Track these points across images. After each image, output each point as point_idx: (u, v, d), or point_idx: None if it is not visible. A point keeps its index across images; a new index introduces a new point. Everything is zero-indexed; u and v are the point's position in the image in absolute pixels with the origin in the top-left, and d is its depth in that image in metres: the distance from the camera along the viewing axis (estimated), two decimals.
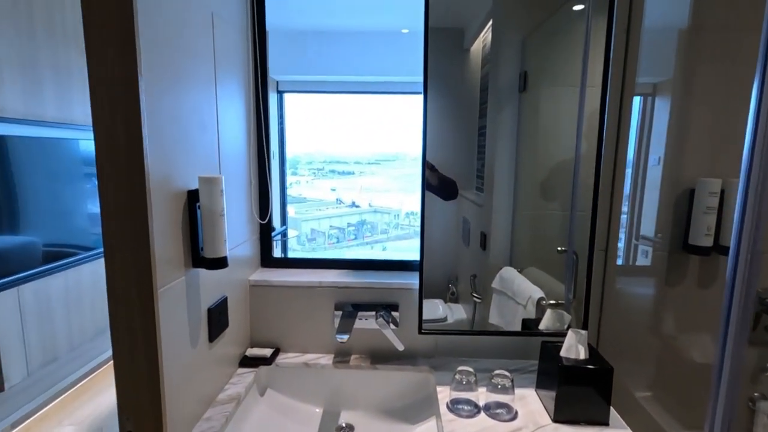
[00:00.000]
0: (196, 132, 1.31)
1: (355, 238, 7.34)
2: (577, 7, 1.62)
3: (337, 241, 7.27)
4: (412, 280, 2.01)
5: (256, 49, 1.87)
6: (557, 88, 1.70)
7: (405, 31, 3.38)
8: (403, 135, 7.46)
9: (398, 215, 7.44)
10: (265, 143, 1.92)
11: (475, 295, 1.80)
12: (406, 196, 7.59)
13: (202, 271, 1.40)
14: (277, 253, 3.93)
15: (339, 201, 7.45)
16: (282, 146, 4.08)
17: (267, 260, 2.16)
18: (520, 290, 1.67)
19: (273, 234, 3.53)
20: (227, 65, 1.50)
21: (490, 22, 1.66)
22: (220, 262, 1.31)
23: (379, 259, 2.19)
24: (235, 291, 1.76)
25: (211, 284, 1.48)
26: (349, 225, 7.43)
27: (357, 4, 3.00)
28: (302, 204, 7.21)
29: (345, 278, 1.98)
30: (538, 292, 1.65)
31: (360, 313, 1.91)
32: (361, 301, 1.95)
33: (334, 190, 7.35)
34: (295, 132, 4.95)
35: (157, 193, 1.10)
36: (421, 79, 3.70)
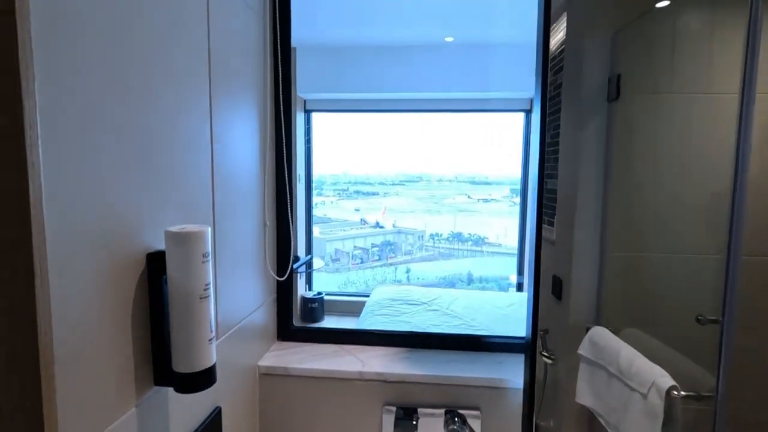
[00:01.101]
0: (168, 153, 0.83)
1: (379, 259, 7.12)
2: None
3: (361, 262, 7.07)
4: (499, 371, 1.38)
5: (277, 55, 1.38)
6: (668, 95, 1.31)
7: (449, 39, 3.19)
8: (428, 155, 7.26)
9: (422, 236, 7.18)
10: (287, 171, 1.40)
11: (545, 354, 1.37)
12: (431, 217, 7.34)
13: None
14: (300, 285, 3.68)
15: (363, 221, 7.28)
16: (309, 168, 3.91)
17: (285, 331, 1.54)
18: (631, 368, 1.13)
19: (296, 265, 3.30)
20: (233, 69, 1.11)
21: (564, 18, 1.39)
22: (201, 380, 0.75)
23: (444, 334, 1.65)
24: (237, 391, 1.19)
25: (191, 400, 0.94)
26: (373, 246, 7.21)
27: (396, 13, 2.82)
28: (327, 224, 7.05)
29: (397, 365, 1.36)
30: (665, 378, 1.07)
31: (421, 416, 1.32)
32: (423, 401, 1.34)
33: (358, 210, 7.18)
34: (322, 152, 4.80)
35: (73, 262, 0.60)
36: (456, 95, 3.47)
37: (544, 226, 1.42)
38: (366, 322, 2.45)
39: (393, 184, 7.58)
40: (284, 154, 1.39)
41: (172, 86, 0.84)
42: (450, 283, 6.78)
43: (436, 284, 6.80)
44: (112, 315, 0.68)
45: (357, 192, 7.54)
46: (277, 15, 1.36)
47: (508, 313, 2.63)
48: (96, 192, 0.63)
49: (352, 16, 2.87)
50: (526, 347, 1.34)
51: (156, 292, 0.73)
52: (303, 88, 3.51)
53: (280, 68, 1.36)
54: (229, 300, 1.08)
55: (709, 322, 1.17)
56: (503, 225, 7.16)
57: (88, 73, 0.63)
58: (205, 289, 0.71)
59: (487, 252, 7.00)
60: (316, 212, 6.97)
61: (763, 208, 1.24)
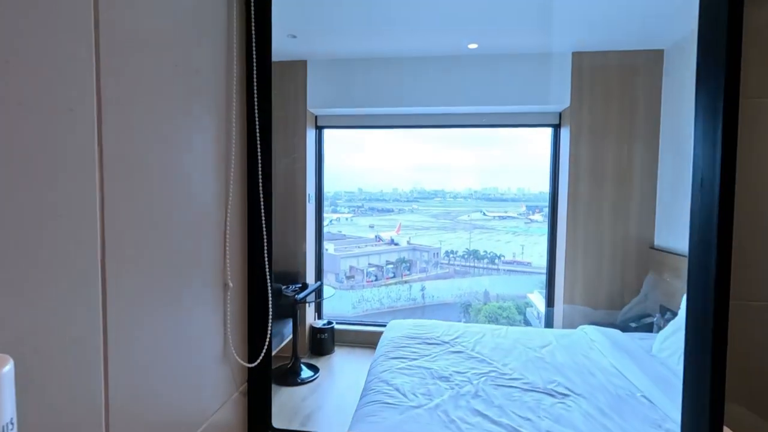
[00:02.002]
0: None
1: (393, 276, 6.86)
2: None
3: (375, 279, 6.82)
4: None
5: (251, 47, 0.94)
6: None
7: (473, 46, 2.86)
8: (444, 170, 6.98)
9: (437, 254, 6.88)
10: (263, 205, 0.95)
11: None
12: (446, 234, 7.05)
13: None
14: (309, 314, 3.24)
15: (378, 238, 7.03)
16: (320, 186, 3.58)
17: None
18: None
19: (301, 295, 2.94)
20: (156, 41, 0.66)
21: None
22: None
23: None
24: None
25: None
26: (387, 263, 6.95)
27: (414, 24, 2.50)
28: (341, 241, 6.81)
29: None
30: None
31: None
32: None
33: (372, 227, 6.93)
34: (337, 169, 4.51)
35: None
36: (476, 109, 3.10)
37: None
38: (379, 367, 2.08)
39: (408, 201, 7.36)
40: (260, 181, 0.94)
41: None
42: (466, 302, 6.46)
43: (451, 302, 6.45)
44: None
45: (372, 209, 7.34)
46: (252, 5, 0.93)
47: (543, 356, 2.23)
48: None
49: (367, 28, 2.56)
50: None
51: None
52: (314, 103, 3.20)
53: (254, 58, 0.92)
54: (161, 412, 0.68)
55: None
56: (519, 242, 6.82)
57: None
58: None
59: (504, 270, 6.69)
60: (331, 229, 6.75)
61: None
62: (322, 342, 3.21)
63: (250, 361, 0.96)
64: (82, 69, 0.53)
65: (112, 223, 0.58)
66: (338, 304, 6.12)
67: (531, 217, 6.74)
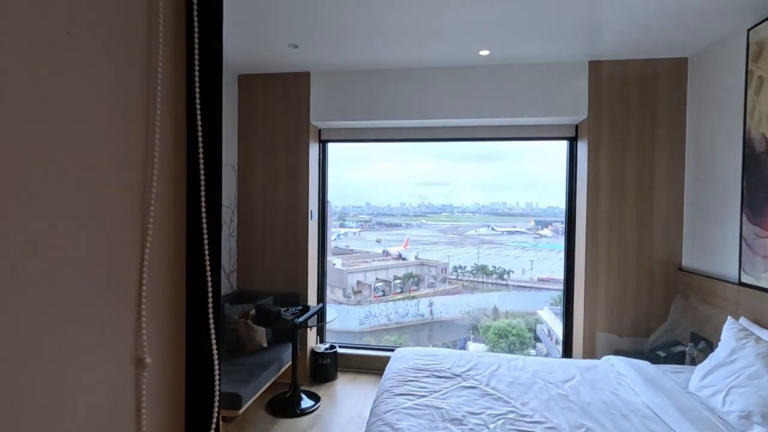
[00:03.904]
0: None
1: (401, 291, 6.69)
2: None
3: (383, 294, 6.63)
4: None
5: None
6: None
7: (484, 53, 2.59)
8: (452, 185, 6.79)
9: (445, 269, 6.65)
10: (206, 217, 0.56)
11: None
12: (454, 249, 6.82)
13: None
14: (310, 337, 2.84)
15: (385, 253, 6.85)
16: (323, 201, 3.33)
17: None
18: None
19: (300, 319, 2.48)
20: None
21: None
22: None
23: None
24: None
25: None
26: (395, 278, 6.77)
27: (424, 29, 2.26)
28: (349, 255, 6.62)
29: None
30: None
31: None
32: None
33: (379, 241, 6.73)
34: (345, 183, 4.29)
35: None
36: (488, 122, 2.84)
37: None
38: (383, 405, 1.78)
39: (416, 215, 7.18)
40: (202, 180, 0.56)
41: None
42: (475, 319, 6.24)
43: (460, 319, 6.19)
44: None
45: (379, 223, 7.18)
46: None
47: (567, 393, 1.91)
48: None
49: (372, 36, 2.34)
50: None
51: None
52: (317, 116, 2.98)
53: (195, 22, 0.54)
54: None
55: None
56: (528, 257, 6.57)
57: None
58: None
59: (513, 286, 6.44)
60: (339, 243, 6.56)
61: None
62: (325, 368, 2.92)
63: None
64: None
65: None
66: (345, 320, 5.86)
67: (540, 232, 6.47)
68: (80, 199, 0.45)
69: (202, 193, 0.57)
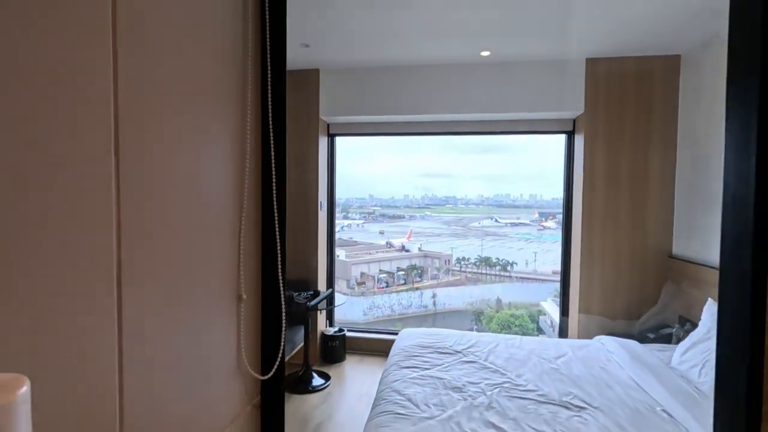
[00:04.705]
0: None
1: (404, 283, 6.84)
2: None
3: (387, 286, 6.81)
4: None
5: (266, 59, 0.90)
6: None
7: (485, 53, 2.83)
8: (455, 177, 6.96)
9: (449, 260, 6.83)
10: (278, 214, 0.93)
11: None
12: (458, 240, 7.00)
13: None
14: (320, 321, 3.21)
15: (389, 244, 7.02)
16: (332, 193, 3.58)
17: None
18: None
19: (312, 303, 2.94)
20: (174, 55, 0.66)
21: None
22: None
23: None
24: None
25: None
26: (398, 269, 6.93)
27: (426, 31, 2.49)
28: (353, 247, 6.81)
29: None
30: None
31: None
32: None
33: (382, 233, 6.92)
34: (348, 175, 4.51)
35: None
36: (489, 116, 3.07)
37: None
38: (391, 376, 2.04)
39: (419, 207, 7.34)
40: (274, 192, 0.92)
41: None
42: (478, 310, 6.41)
43: (463, 310, 6.39)
44: None
45: (383, 215, 7.34)
46: (267, 15, 0.90)
47: (558, 367, 2.17)
48: None
49: (379, 36, 2.56)
50: None
51: None
52: (326, 111, 3.21)
53: (269, 71, 0.89)
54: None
55: None
56: (532, 249, 6.73)
57: None
58: None
59: (516, 277, 6.61)
60: (342, 235, 6.76)
61: None
62: (334, 350, 3.19)
63: (263, 374, 0.94)
64: (100, 80, 0.52)
65: (128, 237, 0.57)
66: (349, 311, 6.10)
67: (543, 223, 6.65)
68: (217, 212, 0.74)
69: (275, 210, 0.87)
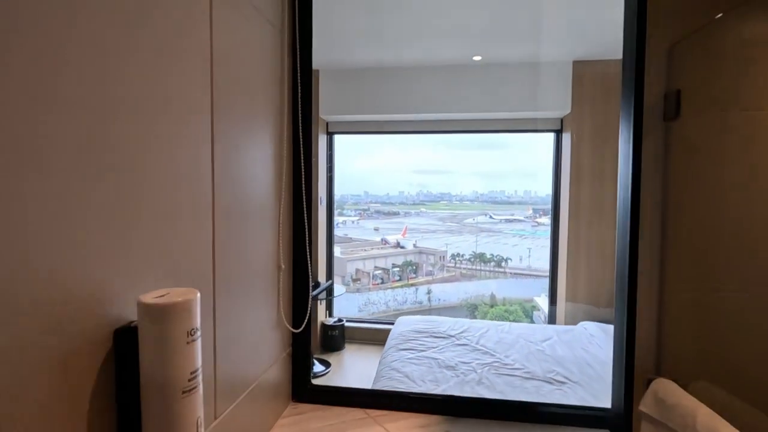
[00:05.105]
0: (157, 193, 0.63)
1: (399, 279, 6.96)
2: None
3: (382, 282, 6.92)
4: None
5: (296, 73, 1.14)
6: (736, 113, 1.11)
7: (477, 58, 3.03)
8: (450, 174, 7.13)
9: (444, 257, 6.99)
10: (305, 204, 1.17)
11: None
12: (453, 237, 7.15)
13: None
14: (320, 312, 3.46)
15: (384, 241, 7.15)
16: (330, 190, 3.77)
17: (302, 391, 1.24)
18: None
19: (315, 292, 3.14)
20: (244, 79, 0.90)
21: None
22: None
23: (492, 400, 1.36)
24: None
25: None
26: (393, 266, 7.06)
27: (418, 34, 2.68)
28: (348, 244, 6.94)
29: None
30: None
31: None
32: None
33: (377, 229, 7.06)
34: (343, 172, 4.69)
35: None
36: (482, 115, 3.28)
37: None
38: (389, 357, 2.24)
39: (414, 203, 7.47)
40: (303, 185, 1.17)
41: (169, 112, 0.65)
42: (472, 306, 6.54)
43: (458, 306, 6.55)
44: (60, 411, 0.47)
45: (378, 212, 7.45)
46: (297, 31, 1.17)
47: (544, 349, 2.38)
48: (41, 253, 0.44)
49: (377, 39, 2.75)
50: (611, 424, 1.12)
51: (126, 380, 0.52)
52: (325, 110, 3.40)
53: (299, 87, 1.15)
54: (234, 364, 0.88)
55: None
56: (527, 245, 6.90)
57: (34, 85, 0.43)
58: (191, 380, 0.51)
59: (511, 273, 6.76)
60: (338, 232, 6.88)
61: None
62: (333, 338, 3.38)
63: (295, 328, 1.20)
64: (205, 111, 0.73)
65: (219, 222, 0.81)
66: (345, 307, 6.25)
67: (538, 220, 6.83)
68: (262, 206, 0.96)
69: (303, 200, 1.11)
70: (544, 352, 2.36)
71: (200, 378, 0.54)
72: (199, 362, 0.54)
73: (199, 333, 0.54)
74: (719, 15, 1.16)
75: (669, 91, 1.15)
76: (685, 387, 1.09)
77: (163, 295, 0.51)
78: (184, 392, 0.51)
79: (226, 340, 0.84)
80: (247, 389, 0.95)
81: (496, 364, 2.19)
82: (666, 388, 1.09)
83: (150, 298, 0.50)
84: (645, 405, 1.10)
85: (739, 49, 1.17)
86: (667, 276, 1.13)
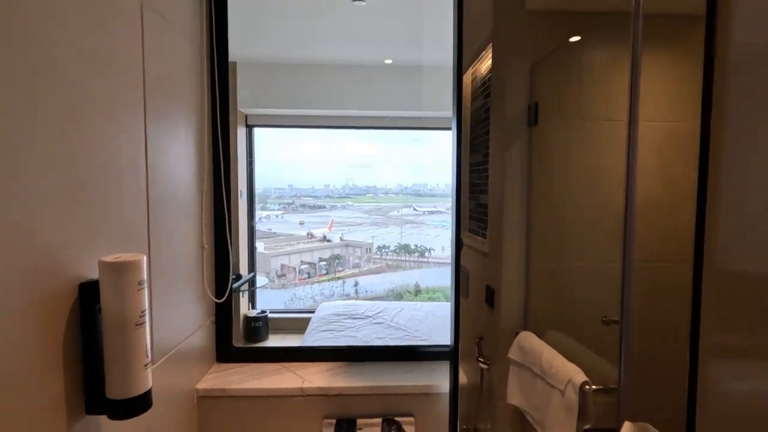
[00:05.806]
0: (101, 180, 0.80)
1: (327, 273, 7.07)
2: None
3: (308, 277, 6.97)
4: (431, 378, 1.47)
5: (214, 75, 1.36)
6: (577, 121, 1.44)
7: (388, 61, 3.34)
8: (374, 168, 7.41)
9: (370, 249, 7.25)
10: (225, 191, 1.38)
11: (481, 360, 1.49)
12: (379, 229, 7.44)
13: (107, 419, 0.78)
14: (243, 304, 3.60)
15: (310, 235, 7.21)
16: (251, 183, 3.88)
17: (225, 353, 1.50)
18: (552, 368, 1.25)
19: (237, 284, 3.29)
20: (170, 91, 1.09)
21: (490, 48, 1.55)
22: (135, 405, 0.75)
23: (381, 346, 1.63)
24: (173, 415, 1.18)
25: (124, 428, 0.88)
26: (320, 260, 7.14)
27: (336, 36, 2.92)
28: (272, 239, 6.92)
29: (336, 379, 1.40)
30: (579, 375, 1.20)
31: (361, 426, 1.38)
32: (362, 412, 1.39)
33: (302, 224, 7.12)
34: (265, 165, 4.77)
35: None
36: (391, 113, 3.62)
37: (479, 238, 1.56)
38: (310, 338, 2.47)
39: (340, 197, 7.60)
40: (222, 174, 1.39)
41: (104, 109, 0.83)
42: (398, 295, 6.88)
43: (384, 297, 6.88)
44: (39, 348, 0.66)
45: (303, 206, 7.47)
46: (214, 38, 1.37)
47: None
48: (19, 225, 0.61)
49: (293, 37, 2.94)
50: (451, 355, 1.45)
51: (89, 321, 0.73)
52: (245, 103, 3.50)
53: (217, 87, 1.37)
54: (165, 324, 1.08)
55: (612, 323, 1.34)
56: (448, 236, 7.41)
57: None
58: (140, 316, 0.72)
59: (434, 263, 7.17)
60: (261, 227, 6.82)
61: (659, 222, 1.46)
62: (257, 330, 3.52)
63: (218, 298, 1.42)
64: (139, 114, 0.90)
65: (152, 207, 1.00)
66: (269, 304, 6.27)
67: None
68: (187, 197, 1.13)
69: (223, 188, 1.33)
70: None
71: (147, 317, 0.74)
72: (146, 305, 0.75)
73: (145, 284, 0.74)
74: (574, 38, 1.52)
75: (531, 103, 1.45)
76: (541, 336, 1.45)
77: (117, 258, 0.71)
78: (136, 325, 0.72)
79: (159, 304, 1.03)
80: (175, 347, 1.16)
81: (407, 338, 2.53)
82: (526, 338, 1.41)
83: (109, 258, 0.71)
84: (512, 353, 1.41)
85: (579, 70, 1.55)
86: (531, 253, 1.49)
